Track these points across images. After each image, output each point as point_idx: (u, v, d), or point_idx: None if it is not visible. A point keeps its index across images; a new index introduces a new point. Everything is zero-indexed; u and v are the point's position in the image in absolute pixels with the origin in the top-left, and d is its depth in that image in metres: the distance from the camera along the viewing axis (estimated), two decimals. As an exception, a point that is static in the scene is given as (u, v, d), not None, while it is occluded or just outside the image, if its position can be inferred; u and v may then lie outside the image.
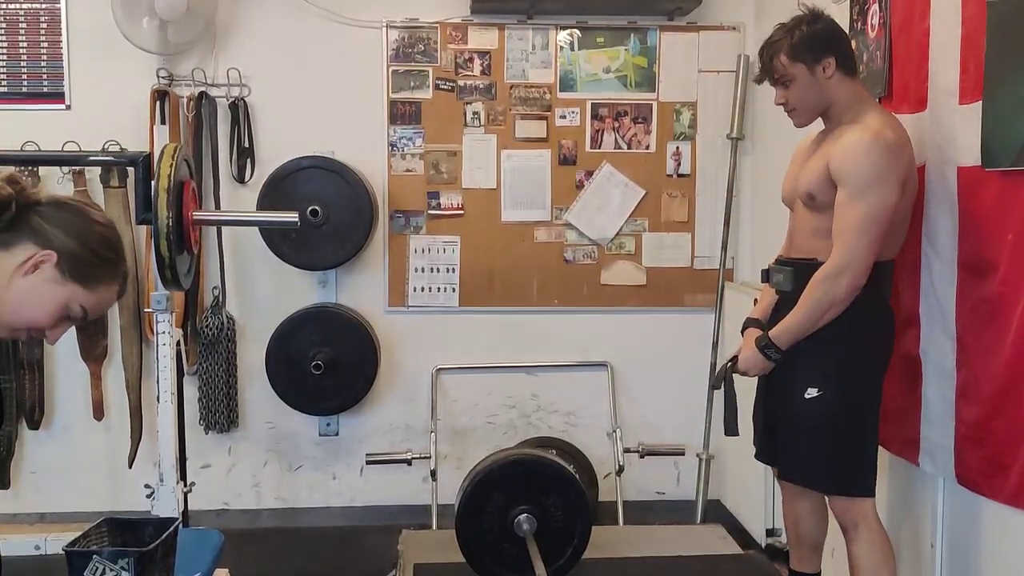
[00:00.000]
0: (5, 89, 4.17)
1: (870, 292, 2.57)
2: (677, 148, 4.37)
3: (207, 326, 4.19)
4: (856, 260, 2.49)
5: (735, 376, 2.82)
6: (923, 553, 2.76)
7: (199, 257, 4.07)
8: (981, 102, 2.32)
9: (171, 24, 3.97)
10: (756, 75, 2.79)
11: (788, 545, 3.10)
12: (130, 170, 3.95)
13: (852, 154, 2.50)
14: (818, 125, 2.77)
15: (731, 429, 2.87)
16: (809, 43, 2.58)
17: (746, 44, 4.32)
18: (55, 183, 4.11)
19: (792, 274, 2.71)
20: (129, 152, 3.65)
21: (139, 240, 4.12)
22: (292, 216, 3.39)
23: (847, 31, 3.16)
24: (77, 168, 4.05)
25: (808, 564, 3.02)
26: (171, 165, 2.94)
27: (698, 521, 4.23)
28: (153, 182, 2.92)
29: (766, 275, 2.85)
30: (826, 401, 2.60)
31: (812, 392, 2.62)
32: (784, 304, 2.74)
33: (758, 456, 3.01)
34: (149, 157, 3.17)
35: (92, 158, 3.69)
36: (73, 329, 4.03)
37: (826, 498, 2.77)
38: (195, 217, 3.12)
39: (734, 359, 2.81)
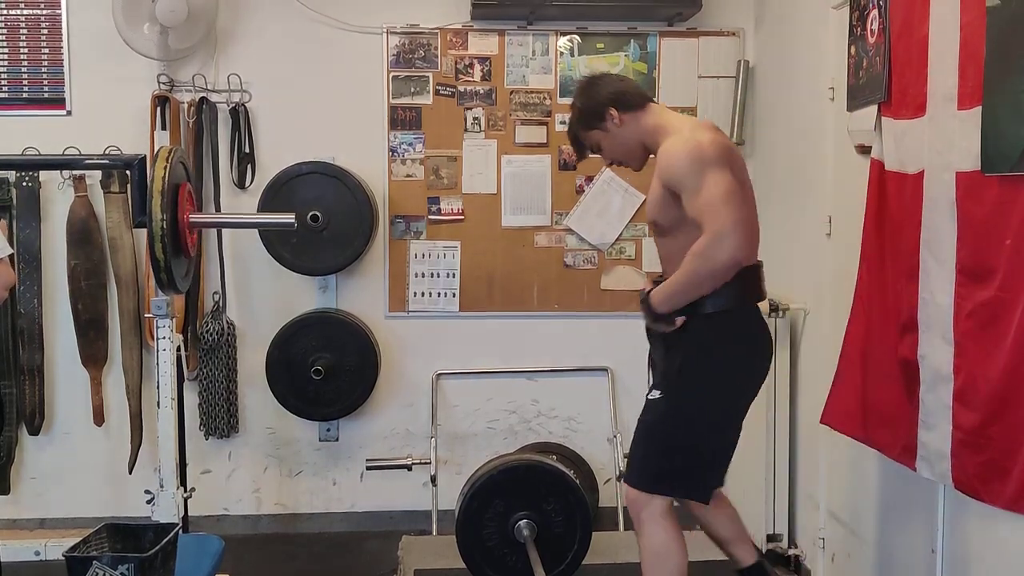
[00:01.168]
0: (6, 95, 4.18)
1: (729, 301, 2.60)
2: (677, 153, 4.37)
3: (207, 331, 4.19)
4: (730, 226, 2.46)
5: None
6: (924, 558, 2.76)
7: (199, 262, 4.08)
8: (979, 107, 2.32)
9: (172, 30, 3.98)
10: (575, 159, 2.94)
11: (722, 551, 3.03)
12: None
13: (671, 161, 2.60)
14: None
15: None
16: (588, 112, 2.81)
17: (746, 49, 4.33)
18: (56, 188, 4.13)
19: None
20: (125, 155, 3.64)
21: (139, 244, 4.12)
22: (288, 217, 3.39)
23: (846, 36, 3.18)
24: (77, 173, 4.06)
25: (748, 554, 2.97)
26: (165, 168, 2.94)
27: (698, 527, 4.22)
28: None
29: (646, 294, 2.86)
30: (661, 403, 2.68)
31: (655, 394, 2.70)
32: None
33: None
34: (145, 160, 3.18)
35: (88, 161, 3.69)
36: (74, 333, 4.08)
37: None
38: (191, 220, 3.12)
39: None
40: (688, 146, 2.59)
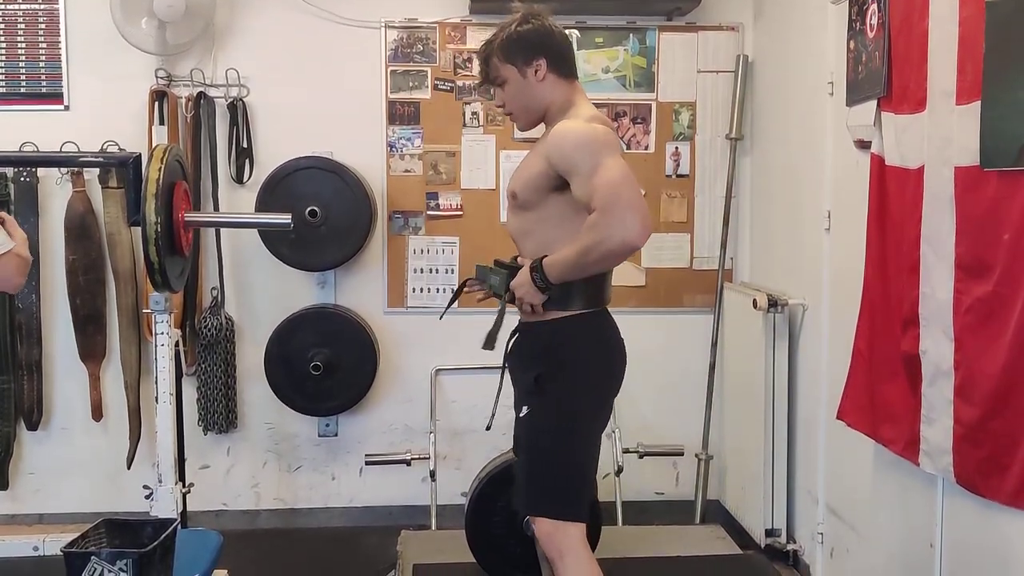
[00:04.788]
0: (4, 90, 4.17)
1: (578, 305, 2.50)
2: (676, 148, 4.37)
3: (206, 327, 4.19)
4: (631, 206, 2.31)
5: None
6: (923, 553, 2.76)
7: (198, 257, 4.07)
8: (978, 102, 2.32)
9: (170, 25, 3.97)
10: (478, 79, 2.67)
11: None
12: (127, 171, 3.96)
13: (567, 141, 2.44)
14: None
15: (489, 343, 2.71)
16: (518, 44, 2.55)
17: (745, 44, 4.32)
18: (54, 184, 4.12)
19: (507, 277, 2.59)
20: (120, 154, 3.64)
21: (138, 240, 4.10)
22: (285, 217, 3.37)
23: (845, 31, 3.17)
24: (75, 169, 4.05)
25: None
26: (159, 169, 2.92)
27: (697, 521, 4.24)
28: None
29: (481, 272, 2.73)
30: (533, 418, 2.51)
31: (524, 410, 2.53)
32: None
33: None
34: (140, 159, 3.16)
35: (83, 159, 3.68)
36: (72, 329, 4.08)
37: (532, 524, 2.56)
38: (186, 219, 3.10)
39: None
40: (587, 129, 2.45)
